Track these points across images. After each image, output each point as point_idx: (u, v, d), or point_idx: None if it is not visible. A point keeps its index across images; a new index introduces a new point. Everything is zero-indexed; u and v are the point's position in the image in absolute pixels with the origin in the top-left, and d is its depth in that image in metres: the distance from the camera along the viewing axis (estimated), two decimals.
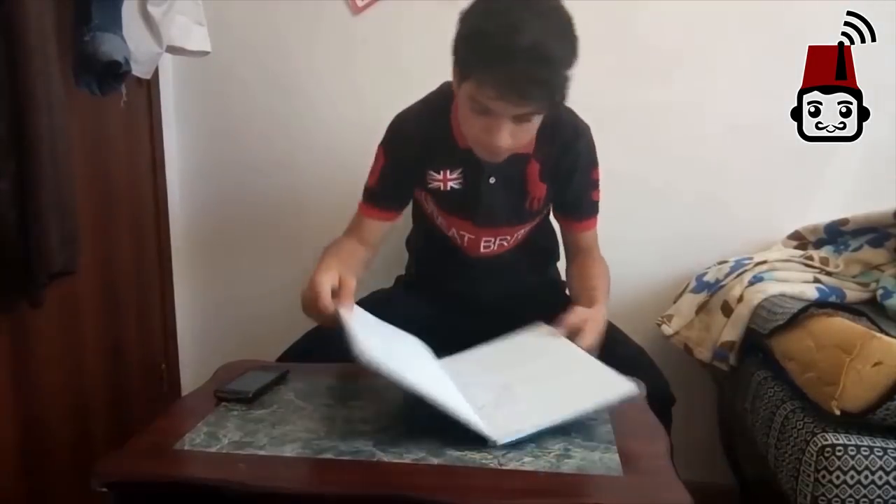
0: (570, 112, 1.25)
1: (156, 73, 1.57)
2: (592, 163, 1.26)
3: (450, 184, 1.23)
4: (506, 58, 0.97)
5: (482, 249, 1.31)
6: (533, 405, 0.87)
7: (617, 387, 0.86)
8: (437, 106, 1.22)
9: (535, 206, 1.26)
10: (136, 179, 1.60)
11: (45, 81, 1.00)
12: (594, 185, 1.28)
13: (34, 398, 1.23)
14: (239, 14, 1.71)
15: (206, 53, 1.50)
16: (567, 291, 1.34)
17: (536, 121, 1.08)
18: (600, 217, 1.30)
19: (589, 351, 1.01)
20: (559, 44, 0.99)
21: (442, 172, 1.23)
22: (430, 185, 1.24)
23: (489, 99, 1.01)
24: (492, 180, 1.22)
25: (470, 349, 1.10)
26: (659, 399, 1.02)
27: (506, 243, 1.32)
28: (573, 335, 1.04)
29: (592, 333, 1.05)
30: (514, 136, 1.07)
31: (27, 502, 1.21)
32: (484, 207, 1.24)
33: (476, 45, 1.00)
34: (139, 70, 1.35)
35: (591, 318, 1.07)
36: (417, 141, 1.22)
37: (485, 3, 1.03)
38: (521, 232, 1.32)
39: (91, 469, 0.77)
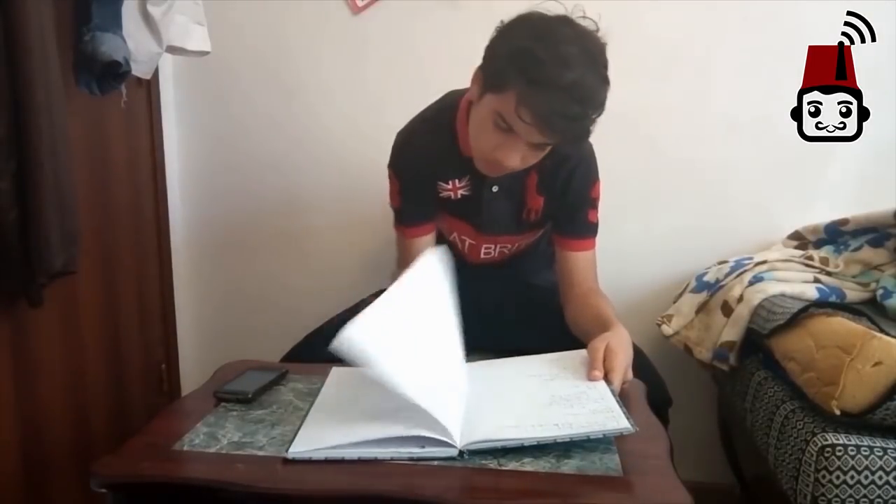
0: None
1: (156, 73, 1.57)
2: (590, 179, 1.22)
3: (460, 192, 1.23)
4: (551, 88, 0.96)
5: (482, 255, 1.31)
6: (517, 419, 0.84)
7: (610, 423, 0.81)
8: (438, 119, 1.21)
9: (533, 217, 1.25)
10: (136, 179, 1.60)
11: (45, 81, 1.00)
12: (591, 203, 1.23)
13: (34, 398, 1.23)
14: (239, 14, 1.71)
15: (206, 53, 1.50)
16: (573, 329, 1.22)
17: (548, 148, 1.07)
18: (601, 216, 1.28)
19: (624, 376, 0.96)
20: (600, 88, 1.00)
21: (451, 182, 1.22)
22: (441, 195, 1.24)
23: (519, 121, 0.99)
24: (494, 188, 1.21)
25: (502, 359, 1.07)
26: (656, 401, 1.02)
27: (506, 251, 1.31)
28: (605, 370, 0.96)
29: (619, 366, 0.95)
30: (524, 158, 1.06)
31: (27, 502, 1.21)
32: (486, 215, 1.24)
33: (524, 66, 0.97)
34: (139, 70, 1.35)
35: (611, 348, 0.98)
36: (423, 157, 1.21)
37: (531, 23, 1.01)
38: (524, 241, 1.31)
39: (91, 469, 0.77)
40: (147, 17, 1.29)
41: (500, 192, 1.21)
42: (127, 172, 1.55)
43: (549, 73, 0.96)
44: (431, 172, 1.22)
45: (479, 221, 1.25)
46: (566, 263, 1.25)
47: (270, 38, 1.72)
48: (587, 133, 1.05)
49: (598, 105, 1.01)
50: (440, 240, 1.34)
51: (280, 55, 1.72)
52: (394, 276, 1.28)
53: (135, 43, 1.27)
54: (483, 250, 1.30)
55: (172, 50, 1.43)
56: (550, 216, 1.26)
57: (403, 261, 1.29)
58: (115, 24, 1.19)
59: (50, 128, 1.01)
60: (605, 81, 1.01)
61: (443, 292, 1.06)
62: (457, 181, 1.22)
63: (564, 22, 1.01)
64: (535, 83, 0.97)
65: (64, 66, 1.10)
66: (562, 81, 0.95)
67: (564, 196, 1.21)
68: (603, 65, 1.01)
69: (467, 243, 1.30)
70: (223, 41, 1.62)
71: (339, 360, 1.07)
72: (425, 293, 1.04)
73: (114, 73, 1.19)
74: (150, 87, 1.62)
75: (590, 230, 1.24)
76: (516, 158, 1.05)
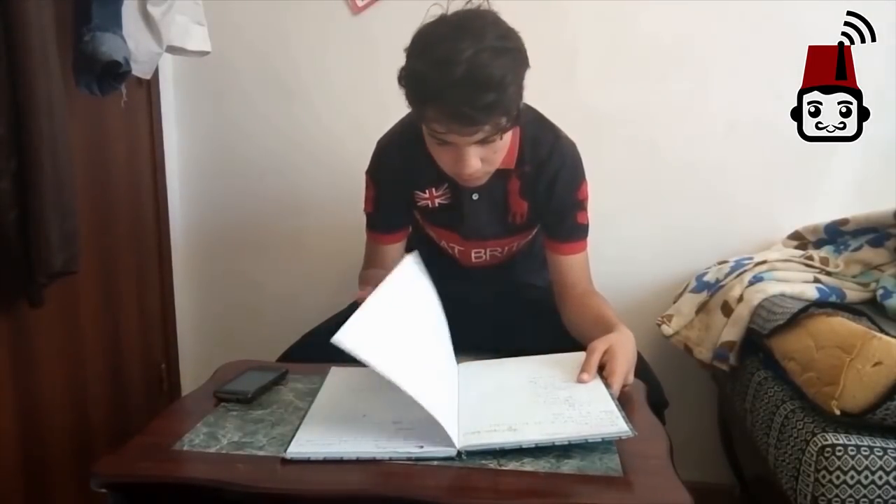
0: (552, 128, 1.20)
1: (156, 73, 1.57)
2: (576, 181, 1.19)
3: (437, 200, 1.22)
4: (443, 93, 0.94)
5: (474, 259, 1.31)
6: (515, 421, 0.84)
7: (609, 427, 0.81)
8: (414, 128, 1.17)
9: (519, 220, 1.23)
10: (136, 179, 1.60)
11: (45, 81, 1.00)
12: (579, 205, 1.20)
13: (34, 397, 1.23)
14: (239, 14, 1.71)
15: (206, 53, 1.50)
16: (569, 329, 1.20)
17: (506, 138, 1.05)
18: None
19: (625, 378, 0.95)
20: (497, 62, 0.95)
21: (428, 191, 1.22)
22: (419, 204, 1.24)
23: (442, 133, 1.00)
24: (475, 196, 1.20)
25: (502, 359, 1.07)
26: (652, 402, 1.01)
27: (498, 253, 1.31)
28: (604, 373, 0.95)
29: (619, 369, 0.94)
30: (484, 158, 1.04)
31: (27, 502, 1.21)
32: (469, 222, 1.23)
33: (414, 86, 0.99)
34: (139, 70, 1.35)
35: (612, 350, 0.96)
36: (400, 166, 1.20)
37: (421, 39, 1.00)
38: (515, 244, 1.31)
39: (91, 469, 0.77)
40: (147, 17, 1.29)
41: (482, 199, 1.20)
42: (127, 172, 1.55)
43: (437, 81, 0.94)
44: (407, 181, 1.22)
45: (463, 228, 1.25)
46: (559, 266, 1.22)
47: (271, 38, 1.72)
48: (513, 104, 1.00)
49: (504, 78, 0.96)
50: (432, 245, 1.34)
51: (280, 55, 1.72)
52: (360, 278, 1.28)
53: (135, 43, 1.27)
54: (473, 255, 1.30)
55: (172, 50, 1.43)
56: (537, 220, 1.24)
57: (370, 265, 1.30)
58: (115, 24, 1.19)
59: (50, 128, 1.01)
60: (502, 52, 0.96)
61: (428, 296, 1.06)
62: (434, 190, 1.21)
63: (440, 22, 1.00)
64: (429, 99, 0.97)
65: (64, 66, 1.10)
66: (453, 79, 0.93)
67: (550, 200, 1.19)
68: (496, 36, 0.97)
69: (457, 249, 1.30)
70: (223, 41, 1.62)
71: (337, 360, 1.08)
72: (412, 295, 1.04)
73: (114, 73, 1.19)
74: (150, 87, 1.62)
75: (580, 232, 1.21)
76: (474, 163, 1.03)
